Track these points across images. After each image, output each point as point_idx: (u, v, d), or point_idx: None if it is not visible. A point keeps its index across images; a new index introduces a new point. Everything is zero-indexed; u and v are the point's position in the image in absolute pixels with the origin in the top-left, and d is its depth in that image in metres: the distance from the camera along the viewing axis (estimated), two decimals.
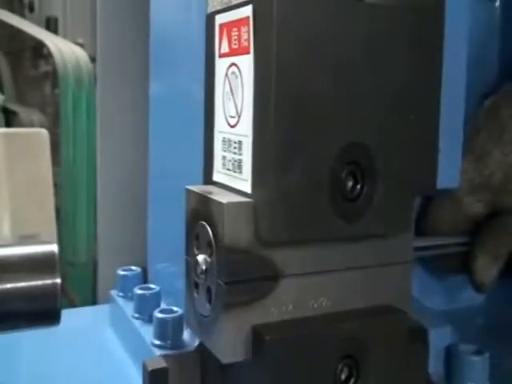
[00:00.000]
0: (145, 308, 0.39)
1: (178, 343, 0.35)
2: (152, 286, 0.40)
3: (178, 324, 0.35)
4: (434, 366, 0.33)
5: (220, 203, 0.27)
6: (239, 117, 0.28)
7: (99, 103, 0.67)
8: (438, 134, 0.32)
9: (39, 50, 1.09)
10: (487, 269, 0.39)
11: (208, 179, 0.32)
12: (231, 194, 0.29)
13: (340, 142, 0.27)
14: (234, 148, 0.29)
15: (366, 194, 0.28)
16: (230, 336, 0.29)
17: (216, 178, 0.31)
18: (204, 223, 0.29)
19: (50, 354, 0.41)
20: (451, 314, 0.37)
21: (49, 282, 0.26)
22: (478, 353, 0.33)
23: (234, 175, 0.29)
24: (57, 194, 0.75)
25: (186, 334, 0.35)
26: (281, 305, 0.30)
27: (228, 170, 0.30)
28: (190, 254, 0.30)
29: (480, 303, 0.42)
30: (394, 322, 0.31)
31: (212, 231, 0.28)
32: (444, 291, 0.43)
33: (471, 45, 0.34)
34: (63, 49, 0.91)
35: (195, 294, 0.30)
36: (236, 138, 0.29)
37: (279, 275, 0.29)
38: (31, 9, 1.34)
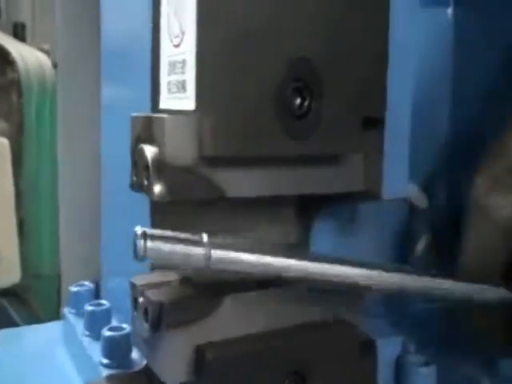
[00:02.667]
0: (95, 325, 0.38)
1: (125, 362, 0.34)
2: (103, 302, 0.39)
3: (126, 342, 0.34)
4: (385, 377, 0.33)
5: (161, 118, 0.26)
6: (183, 34, 0.27)
7: (60, 110, 0.66)
8: (387, 61, 0.30)
9: (5, 56, 1.07)
10: None
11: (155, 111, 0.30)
12: (175, 114, 0.28)
13: (285, 58, 0.27)
14: (179, 68, 0.28)
15: (315, 112, 0.28)
16: (173, 356, 0.28)
17: (162, 105, 0.30)
18: (142, 146, 0.27)
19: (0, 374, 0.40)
20: (403, 323, 0.36)
21: None
22: (426, 364, 0.32)
23: (179, 96, 0.28)
24: (21, 204, 0.73)
25: (136, 353, 0.35)
26: (224, 323, 0.29)
27: (173, 93, 0.29)
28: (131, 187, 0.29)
29: (432, 310, 0.42)
30: (341, 335, 0.31)
31: (153, 152, 0.27)
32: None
33: (422, 58, 0.33)
34: (26, 56, 0.89)
35: (134, 313, 0.30)
36: (180, 58, 0.28)
37: (222, 196, 0.27)
38: None
